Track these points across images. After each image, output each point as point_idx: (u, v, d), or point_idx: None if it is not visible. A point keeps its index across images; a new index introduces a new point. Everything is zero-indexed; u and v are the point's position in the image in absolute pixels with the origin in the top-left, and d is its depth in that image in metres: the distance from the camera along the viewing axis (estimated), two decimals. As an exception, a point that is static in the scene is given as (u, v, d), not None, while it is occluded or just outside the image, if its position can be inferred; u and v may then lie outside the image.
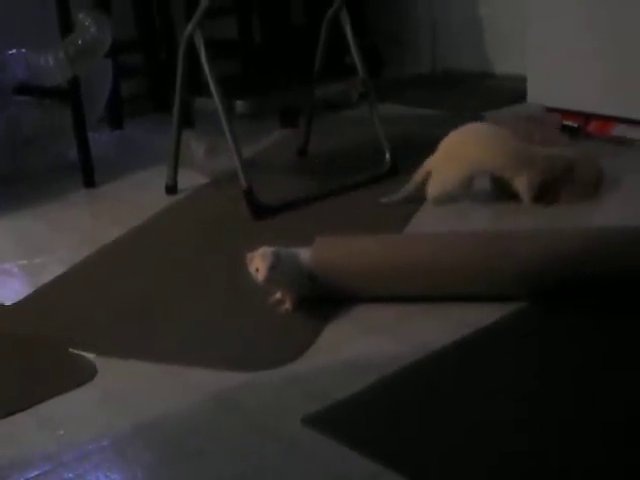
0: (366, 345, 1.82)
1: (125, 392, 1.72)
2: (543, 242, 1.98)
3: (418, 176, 2.55)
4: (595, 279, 1.90)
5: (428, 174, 2.52)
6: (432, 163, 2.53)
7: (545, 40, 3.14)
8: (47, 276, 2.30)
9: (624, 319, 1.83)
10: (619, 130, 2.97)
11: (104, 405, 1.68)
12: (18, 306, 2.15)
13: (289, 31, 3.92)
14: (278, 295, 1.99)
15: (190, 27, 2.62)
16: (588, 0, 2.98)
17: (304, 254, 1.98)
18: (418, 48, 4.50)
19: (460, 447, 1.45)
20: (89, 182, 3.06)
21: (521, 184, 2.44)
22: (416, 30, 4.49)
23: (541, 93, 3.20)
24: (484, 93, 4.03)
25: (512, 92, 3.68)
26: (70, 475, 1.47)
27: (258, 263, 1.88)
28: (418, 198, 2.55)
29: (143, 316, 2.04)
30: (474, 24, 4.25)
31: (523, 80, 3.30)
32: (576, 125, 3.06)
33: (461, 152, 2.48)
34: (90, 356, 1.86)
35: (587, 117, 3.06)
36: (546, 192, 2.46)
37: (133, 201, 2.91)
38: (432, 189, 2.51)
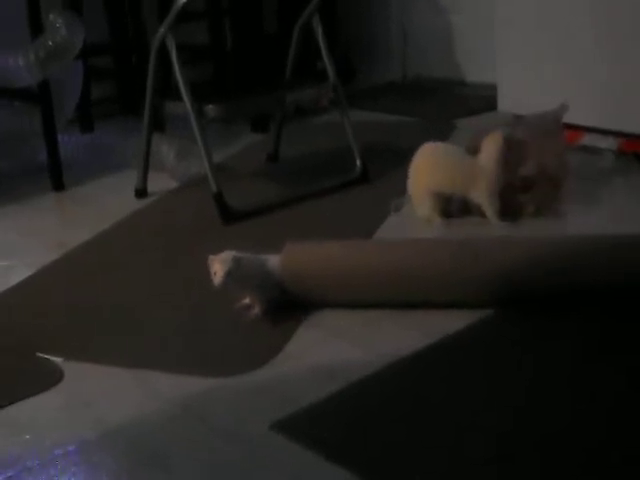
0: (334, 351, 1.82)
1: (92, 397, 1.71)
2: (511, 249, 1.99)
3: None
4: (563, 286, 1.91)
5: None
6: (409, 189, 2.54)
7: (515, 49, 3.16)
8: (14, 279, 2.28)
9: (593, 325, 1.84)
10: (588, 139, 2.99)
11: (70, 410, 1.67)
12: (-16, 309, 2.13)
13: (261, 36, 3.92)
14: (247, 300, 1.99)
15: (162, 31, 2.61)
16: (558, 10, 3.00)
17: (273, 260, 1.98)
18: (389, 55, 4.51)
19: (428, 453, 1.45)
20: (58, 185, 3.04)
21: (480, 199, 2.44)
22: (387, 38, 4.50)
23: (511, 101, 3.21)
24: (455, 101, 4.05)
25: (482, 100, 3.70)
26: (35, 480, 1.46)
27: (217, 267, 1.88)
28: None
29: (111, 320, 2.03)
30: (445, 32, 4.27)
31: (493, 88, 3.32)
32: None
33: (418, 179, 2.49)
34: (57, 360, 1.85)
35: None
36: (510, 206, 2.46)
37: (102, 204, 2.89)
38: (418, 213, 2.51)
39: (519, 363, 1.73)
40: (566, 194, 2.57)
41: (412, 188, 2.51)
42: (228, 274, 1.87)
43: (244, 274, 1.91)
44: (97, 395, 1.71)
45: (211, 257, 1.90)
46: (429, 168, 2.48)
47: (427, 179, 2.47)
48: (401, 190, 2.75)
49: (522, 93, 3.16)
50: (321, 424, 1.56)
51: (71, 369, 1.81)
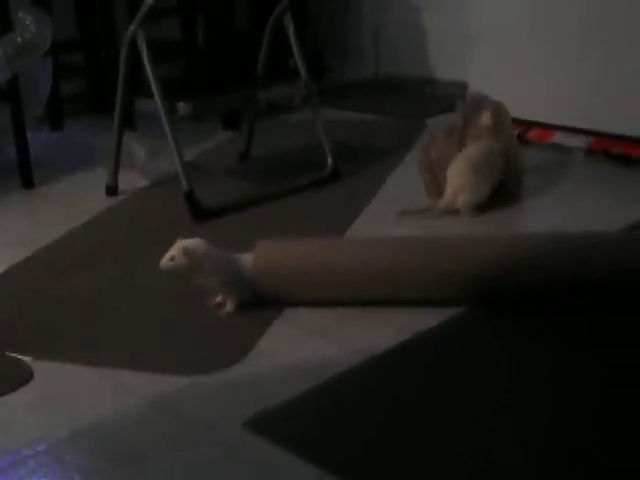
0: (307, 349, 1.82)
1: (62, 396, 1.70)
2: (485, 246, 1.99)
3: (448, 199, 2.50)
4: (537, 283, 1.92)
5: (458, 193, 2.49)
6: (460, 182, 2.50)
7: (486, 47, 3.17)
8: (-17, 278, 2.26)
9: (569, 320, 1.85)
10: (558, 138, 3.01)
11: (40, 409, 1.65)
12: (-47, 308, 2.11)
13: (233, 33, 3.91)
14: (219, 298, 1.98)
15: (133, 27, 2.60)
16: (529, 9, 3.02)
17: (245, 258, 1.97)
18: (362, 53, 4.52)
19: (401, 451, 1.45)
20: (27, 183, 3.01)
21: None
22: (360, 35, 4.51)
23: (482, 100, 3.23)
24: (426, 99, 4.06)
25: (453, 98, 3.71)
26: (5, 480, 1.44)
27: (175, 254, 1.88)
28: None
29: (80, 319, 2.01)
30: (417, 30, 4.28)
31: (464, 87, 3.33)
32: (516, 132, 3.09)
33: (491, 164, 2.52)
34: (27, 359, 1.83)
35: (527, 125, 3.10)
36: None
37: (73, 202, 2.87)
38: (467, 204, 2.48)
39: (494, 359, 1.74)
40: (535, 191, 2.60)
41: (472, 179, 2.51)
42: (176, 267, 1.88)
43: (213, 270, 1.91)
44: (68, 394, 1.70)
45: (180, 240, 1.90)
46: (501, 157, 2.57)
47: (500, 166, 2.56)
48: (373, 188, 2.76)
49: (492, 91, 3.17)
50: (294, 421, 1.55)
51: (41, 368, 1.79)
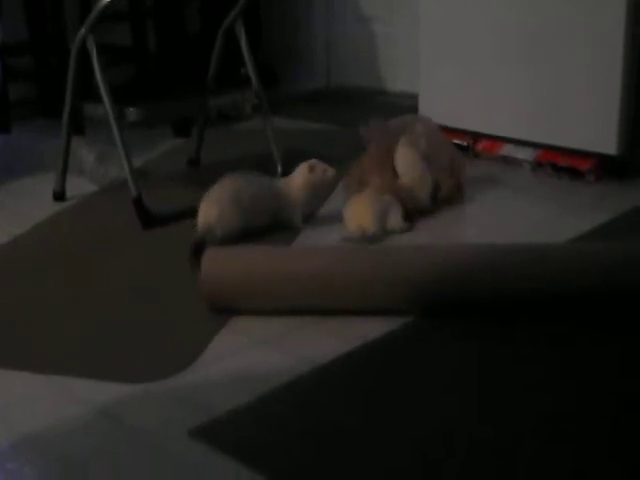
0: (253, 357, 1.82)
1: (6, 404, 1.67)
2: (433, 259, 2.00)
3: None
4: (483, 293, 1.94)
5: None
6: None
7: (437, 59, 3.20)
8: None
9: (508, 334, 1.87)
10: (507, 150, 3.05)
11: (-17, 417, 1.63)
12: None
13: (184, 39, 3.90)
14: None
15: (83, 31, 2.58)
16: (480, 22, 3.05)
17: None
18: (313, 64, 4.53)
19: (347, 461, 1.45)
20: (-27, 187, 2.98)
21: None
22: (311, 46, 4.51)
23: (432, 111, 3.25)
24: (376, 110, 4.08)
25: (404, 109, 3.74)
26: (-56, 489, 1.42)
27: None
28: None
29: (26, 325, 1.99)
30: (368, 41, 4.30)
31: (415, 98, 3.35)
32: (465, 144, 3.12)
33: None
34: (-31, 366, 1.81)
35: (476, 136, 3.12)
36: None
37: (19, 208, 2.84)
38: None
39: (442, 369, 1.75)
40: (480, 203, 2.62)
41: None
42: None
43: None
44: (12, 402, 1.68)
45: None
46: None
47: None
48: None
49: (443, 103, 3.20)
50: (240, 430, 1.55)
51: (-15, 375, 1.77)
